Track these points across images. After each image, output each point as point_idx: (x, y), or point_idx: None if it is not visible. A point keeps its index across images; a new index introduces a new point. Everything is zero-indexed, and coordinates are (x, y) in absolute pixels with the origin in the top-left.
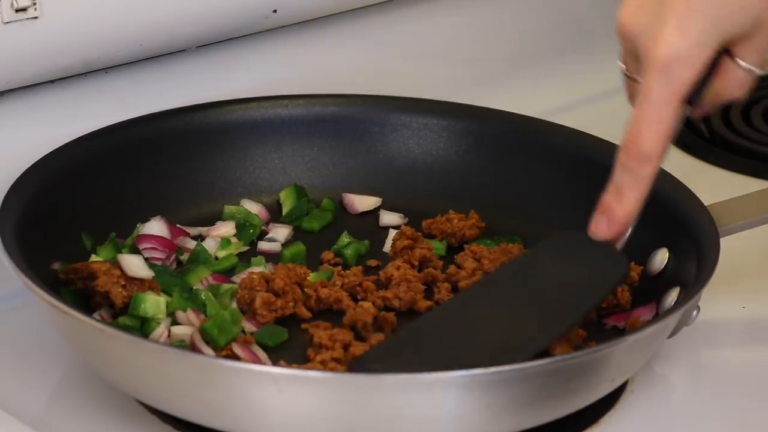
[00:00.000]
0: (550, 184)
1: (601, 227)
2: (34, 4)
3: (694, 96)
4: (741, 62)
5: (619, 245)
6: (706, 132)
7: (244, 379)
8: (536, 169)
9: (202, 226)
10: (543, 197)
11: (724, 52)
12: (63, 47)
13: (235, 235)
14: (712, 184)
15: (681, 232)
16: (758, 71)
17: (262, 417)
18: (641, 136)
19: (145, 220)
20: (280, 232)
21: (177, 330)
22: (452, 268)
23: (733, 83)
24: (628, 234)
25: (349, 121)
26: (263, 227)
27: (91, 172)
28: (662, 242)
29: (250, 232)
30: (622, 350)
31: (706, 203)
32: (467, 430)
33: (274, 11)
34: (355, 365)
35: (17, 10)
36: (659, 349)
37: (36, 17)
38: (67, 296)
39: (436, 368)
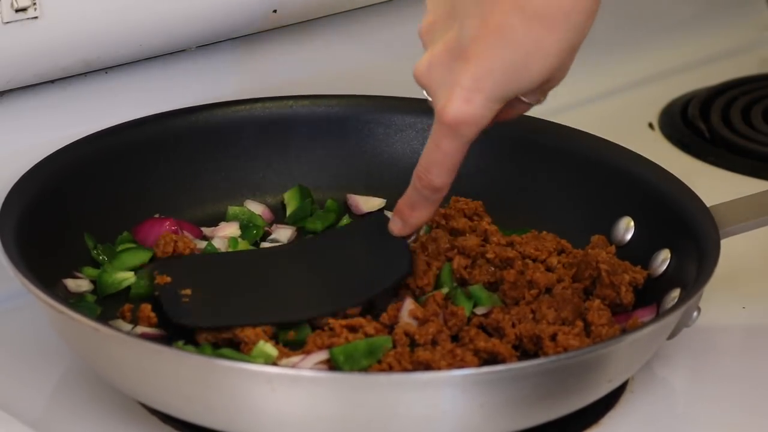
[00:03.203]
0: (552, 184)
1: (396, 226)
2: (34, 4)
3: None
4: (524, 99)
5: (412, 239)
6: (706, 132)
7: (237, 379)
8: (538, 169)
9: (206, 226)
10: (544, 197)
11: None
12: (63, 47)
13: (239, 236)
14: (712, 184)
15: (682, 234)
16: (536, 104)
17: (256, 416)
18: (432, 173)
19: (147, 219)
20: (283, 233)
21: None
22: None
23: (516, 111)
24: (420, 232)
25: (354, 122)
26: (266, 228)
27: (94, 172)
28: (664, 243)
29: (253, 233)
30: (619, 350)
31: (706, 203)
32: (462, 430)
33: (274, 11)
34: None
35: (17, 10)
36: (659, 349)
37: (36, 17)
38: (84, 307)
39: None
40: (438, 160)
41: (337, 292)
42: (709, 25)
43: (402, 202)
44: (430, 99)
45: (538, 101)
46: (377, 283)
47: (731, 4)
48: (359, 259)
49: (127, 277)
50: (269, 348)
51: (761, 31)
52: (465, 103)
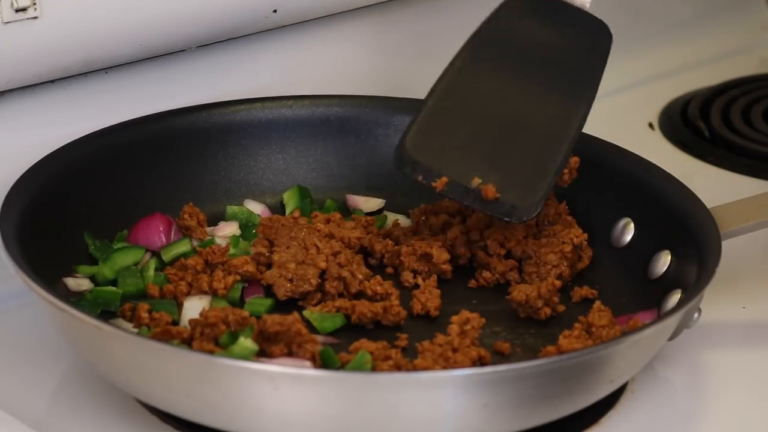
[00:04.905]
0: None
1: None
2: (34, 4)
3: None
4: None
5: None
6: (706, 132)
7: (239, 377)
8: None
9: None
10: None
11: None
12: (63, 47)
13: (239, 236)
14: (712, 184)
15: (683, 235)
16: None
17: (258, 415)
18: None
19: (141, 219)
20: None
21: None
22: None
23: None
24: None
25: (353, 123)
26: None
27: (94, 171)
28: (665, 245)
29: (252, 232)
30: (620, 351)
31: (706, 203)
32: (464, 430)
33: (274, 11)
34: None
35: (17, 10)
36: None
37: (36, 17)
38: (85, 305)
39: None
40: None
41: (565, 93)
42: (709, 25)
43: None
44: None
45: None
46: (594, 63)
47: (731, 4)
48: (550, 46)
49: (115, 298)
50: (249, 343)
51: (761, 31)
52: None
